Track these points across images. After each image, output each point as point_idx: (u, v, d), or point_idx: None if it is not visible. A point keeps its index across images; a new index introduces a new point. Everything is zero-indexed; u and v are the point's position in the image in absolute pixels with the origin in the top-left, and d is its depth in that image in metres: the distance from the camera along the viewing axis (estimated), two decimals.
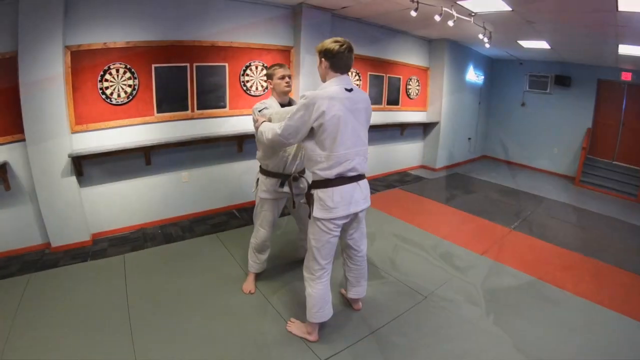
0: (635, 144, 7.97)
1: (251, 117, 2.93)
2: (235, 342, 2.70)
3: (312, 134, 2.34)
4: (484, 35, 5.81)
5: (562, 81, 8.34)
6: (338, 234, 2.52)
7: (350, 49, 2.36)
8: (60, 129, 3.61)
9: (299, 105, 2.27)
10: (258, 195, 3.14)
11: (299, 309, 2.98)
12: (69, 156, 3.66)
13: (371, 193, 2.99)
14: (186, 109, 4.48)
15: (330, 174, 2.34)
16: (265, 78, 4.69)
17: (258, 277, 3.46)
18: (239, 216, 5.00)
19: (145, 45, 4.01)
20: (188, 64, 4.37)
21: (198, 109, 4.57)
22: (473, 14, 5.11)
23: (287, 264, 3.80)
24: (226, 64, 4.69)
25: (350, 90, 2.35)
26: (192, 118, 4.56)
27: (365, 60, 6.46)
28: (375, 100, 6.83)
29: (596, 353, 2.79)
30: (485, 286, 3.64)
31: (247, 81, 4.93)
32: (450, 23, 5.10)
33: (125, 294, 3.19)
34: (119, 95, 3.95)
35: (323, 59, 2.36)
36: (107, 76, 3.82)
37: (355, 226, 2.66)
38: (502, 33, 6.12)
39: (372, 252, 4.02)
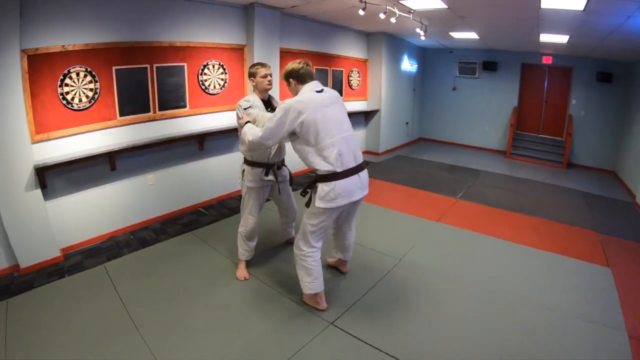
0: (557, 118, 9.22)
1: (232, 113, 3.12)
2: (248, 326, 2.86)
3: (296, 136, 2.59)
4: (420, 29, 6.28)
5: (490, 66, 9.35)
6: (333, 219, 2.79)
7: (308, 64, 2.71)
8: (21, 139, 3.36)
9: (278, 110, 2.53)
10: (245, 185, 3.31)
11: (295, 285, 3.21)
12: (34, 167, 3.43)
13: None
14: (148, 110, 4.38)
15: (331, 167, 2.55)
16: (222, 77, 4.81)
17: (248, 264, 3.61)
18: (206, 213, 5.01)
19: (105, 47, 3.86)
20: (148, 65, 4.27)
21: (160, 109, 4.49)
22: (412, 11, 5.54)
23: (272, 249, 4.02)
24: (185, 64, 4.64)
25: (321, 91, 2.65)
26: (154, 119, 4.47)
27: (311, 55, 6.70)
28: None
29: (547, 285, 3.52)
30: (447, 245, 4.19)
31: (205, 80, 4.92)
32: (393, 20, 5.49)
33: (120, 301, 3.13)
34: (80, 100, 3.76)
35: (291, 80, 2.72)
36: (68, 80, 3.63)
37: (353, 210, 2.93)
38: (436, 26, 6.67)
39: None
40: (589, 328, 2.94)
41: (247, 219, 3.39)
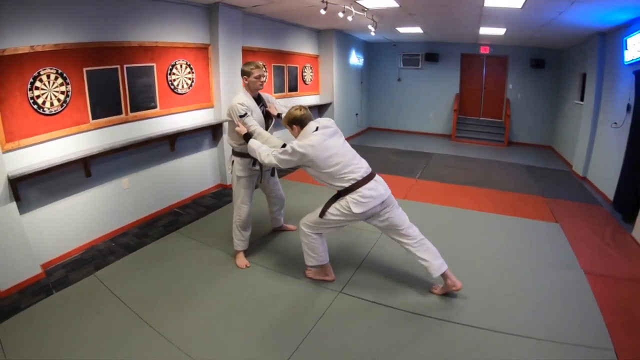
0: (495, 102, 10.08)
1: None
2: (265, 306, 2.99)
3: (308, 166, 2.81)
4: (372, 26, 6.55)
5: (432, 57, 9.96)
6: (351, 222, 2.99)
7: (306, 108, 2.91)
8: None
9: (291, 149, 2.71)
10: (235, 174, 3.43)
11: (297, 264, 3.47)
12: (9, 178, 3.17)
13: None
14: (120, 112, 4.21)
15: (352, 180, 2.77)
16: (190, 76, 4.82)
17: (245, 253, 3.67)
18: (183, 213, 4.93)
19: (75, 48, 3.64)
20: (118, 66, 4.09)
21: (132, 111, 4.32)
22: (366, 10, 5.77)
23: (266, 235, 4.16)
24: (154, 64, 4.51)
25: (317, 128, 2.80)
26: (126, 121, 4.29)
27: (270, 52, 6.76)
28: (279, 88, 7.17)
29: (508, 240, 4.15)
30: (417, 218, 4.41)
31: (174, 80, 4.81)
32: (350, 18, 5.71)
33: (124, 305, 3.02)
34: (51, 104, 3.53)
35: (294, 126, 2.89)
36: (38, 83, 3.39)
37: (387, 211, 2.91)
38: (386, 23, 7.00)
39: None
40: (550, 268, 3.55)
41: (240, 208, 3.49)
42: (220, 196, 5.53)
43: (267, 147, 2.98)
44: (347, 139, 9.38)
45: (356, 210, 2.75)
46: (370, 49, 10.73)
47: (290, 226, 4.26)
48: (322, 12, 5.17)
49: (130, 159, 4.41)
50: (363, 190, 2.76)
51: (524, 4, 4.92)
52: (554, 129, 9.24)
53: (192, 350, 2.50)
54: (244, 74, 3.25)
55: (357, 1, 5.37)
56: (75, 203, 3.91)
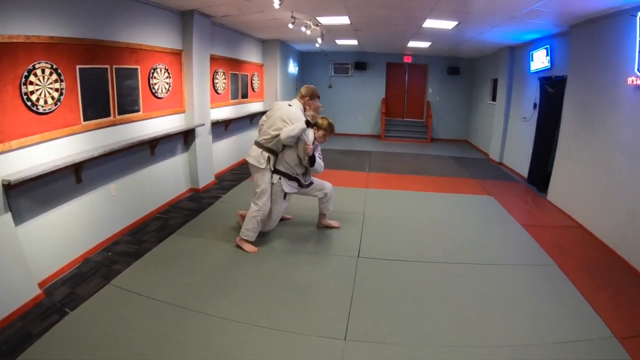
0: (417, 105, 10.99)
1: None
2: (300, 278, 3.15)
3: None
4: (320, 38, 6.68)
5: (360, 66, 10.47)
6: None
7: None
8: None
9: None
10: (281, 187, 3.55)
11: (307, 241, 3.83)
12: (3, 184, 2.57)
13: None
14: (109, 114, 3.69)
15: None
16: (167, 81, 4.36)
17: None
18: (167, 217, 4.50)
19: (70, 43, 3.11)
20: (108, 66, 3.60)
21: (119, 114, 3.82)
22: (320, 25, 5.90)
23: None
24: (138, 67, 4.06)
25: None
26: (114, 124, 3.78)
27: (228, 60, 6.53)
28: (235, 94, 6.93)
29: (454, 211, 4.87)
30: (383, 200, 5.22)
31: (155, 84, 4.38)
32: (308, 32, 5.81)
33: (160, 302, 2.75)
34: (45, 102, 2.96)
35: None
36: (32, 78, 2.81)
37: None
38: (331, 36, 7.19)
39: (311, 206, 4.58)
40: (495, 224, 4.47)
41: (267, 205, 3.50)
42: (198, 199, 5.15)
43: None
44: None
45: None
46: (304, 58, 10.90)
47: (333, 222, 4.19)
48: (290, 26, 5.22)
49: (116, 164, 3.88)
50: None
51: (455, 26, 5.54)
52: (469, 126, 10.45)
53: (255, 319, 2.58)
54: (312, 96, 3.45)
55: (317, 17, 5.47)
56: (66, 212, 3.31)
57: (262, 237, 3.78)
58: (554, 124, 5.33)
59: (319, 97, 3.55)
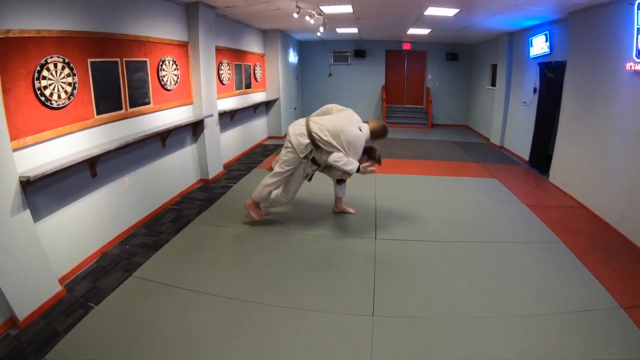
0: (416, 91, 10.79)
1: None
2: (315, 265, 3.15)
3: None
4: (323, 27, 6.50)
5: (360, 54, 10.25)
6: None
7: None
8: (1, 147, 2.37)
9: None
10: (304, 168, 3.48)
11: (315, 225, 3.85)
12: (22, 180, 2.45)
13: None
14: (120, 107, 3.57)
15: None
16: (176, 73, 4.24)
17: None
18: (181, 208, 4.42)
19: (80, 37, 2.98)
20: (119, 59, 3.47)
21: (130, 107, 3.70)
22: (323, 14, 5.71)
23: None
24: (147, 59, 3.92)
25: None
26: (126, 117, 3.67)
27: (232, 51, 6.36)
28: (239, 85, 6.78)
29: (462, 193, 4.87)
30: (392, 184, 5.21)
31: (164, 76, 4.25)
32: (312, 21, 5.63)
33: (193, 292, 2.71)
34: (59, 97, 2.84)
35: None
36: (45, 72, 2.69)
37: None
38: (332, 25, 7.00)
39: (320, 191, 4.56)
40: (501, 205, 4.47)
41: (281, 182, 3.54)
42: (209, 189, 5.07)
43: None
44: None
45: None
46: (303, 47, 10.65)
47: (349, 209, 4.13)
48: (295, 15, 5.09)
49: (129, 157, 3.78)
50: None
51: (456, 14, 5.39)
52: (468, 111, 10.32)
53: (286, 301, 2.60)
54: (383, 136, 3.54)
55: (321, 6, 5.30)
56: (83, 207, 3.22)
57: (280, 223, 3.82)
58: (554, 107, 5.25)
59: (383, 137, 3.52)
